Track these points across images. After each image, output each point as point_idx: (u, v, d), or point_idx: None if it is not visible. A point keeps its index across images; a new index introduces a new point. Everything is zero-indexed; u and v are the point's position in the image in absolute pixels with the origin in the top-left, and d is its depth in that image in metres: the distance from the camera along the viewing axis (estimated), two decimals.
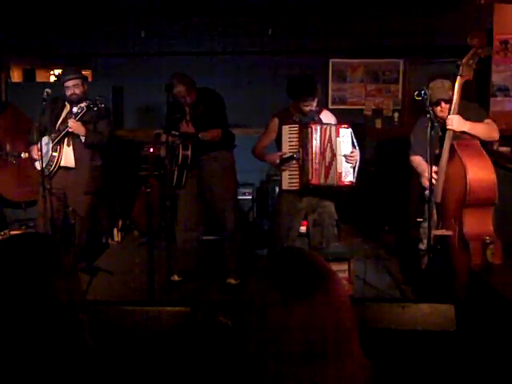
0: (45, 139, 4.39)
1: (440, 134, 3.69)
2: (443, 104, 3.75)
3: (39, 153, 4.27)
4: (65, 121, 4.43)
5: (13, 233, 4.06)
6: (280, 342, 0.97)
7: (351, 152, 3.68)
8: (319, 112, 3.94)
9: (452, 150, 3.56)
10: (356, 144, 3.72)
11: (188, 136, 4.22)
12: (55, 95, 4.42)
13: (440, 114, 3.78)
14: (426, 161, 3.80)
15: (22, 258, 1.18)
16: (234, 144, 4.54)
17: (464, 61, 3.49)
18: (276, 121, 3.96)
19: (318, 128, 3.74)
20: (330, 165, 3.72)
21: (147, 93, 6.11)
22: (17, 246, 1.21)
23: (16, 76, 7.16)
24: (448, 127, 3.54)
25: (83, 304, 1.25)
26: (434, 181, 3.66)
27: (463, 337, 2.46)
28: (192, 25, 6.23)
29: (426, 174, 3.70)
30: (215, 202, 4.45)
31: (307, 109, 3.81)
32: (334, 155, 3.69)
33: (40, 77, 7.66)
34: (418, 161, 3.99)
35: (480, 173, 3.47)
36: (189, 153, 4.22)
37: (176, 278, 4.44)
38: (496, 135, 3.78)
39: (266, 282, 1.03)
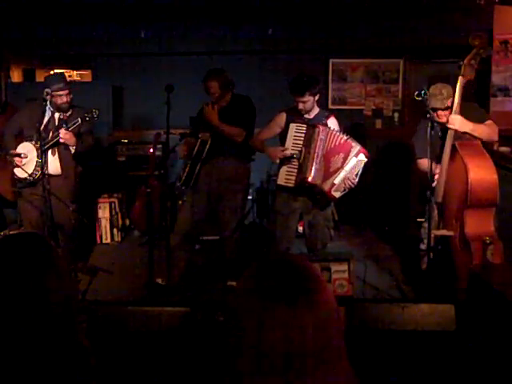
0: (26, 145, 4.31)
1: (440, 134, 3.68)
2: (440, 112, 3.72)
3: (20, 159, 4.23)
4: (47, 127, 4.30)
5: (12, 233, 4.04)
6: (258, 345, 0.96)
7: (353, 178, 3.72)
8: (327, 117, 3.97)
9: (453, 150, 3.54)
10: (359, 176, 3.76)
11: (206, 126, 4.15)
12: (30, 98, 4.33)
13: (438, 120, 3.77)
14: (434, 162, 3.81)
15: (16, 258, 1.17)
16: (251, 158, 4.44)
17: (466, 61, 3.48)
18: (284, 116, 3.97)
19: (326, 130, 3.76)
20: (333, 172, 3.74)
21: (147, 93, 6.11)
22: (10, 246, 1.21)
23: (16, 76, 7.15)
24: (450, 127, 3.52)
25: (81, 305, 1.25)
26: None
27: (463, 337, 2.45)
28: (192, 25, 6.23)
29: (437, 176, 3.67)
30: (219, 206, 4.32)
31: (299, 106, 3.84)
32: (341, 167, 3.73)
33: (40, 77, 7.65)
34: (426, 164, 3.88)
35: (481, 173, 3.45)
36: (207, 145, 4.15)
37: (160, 281, 4.25)
38: (496, 137, 3.78)
39: (252, 283, 1.02)
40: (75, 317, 1.20)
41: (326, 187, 3.75)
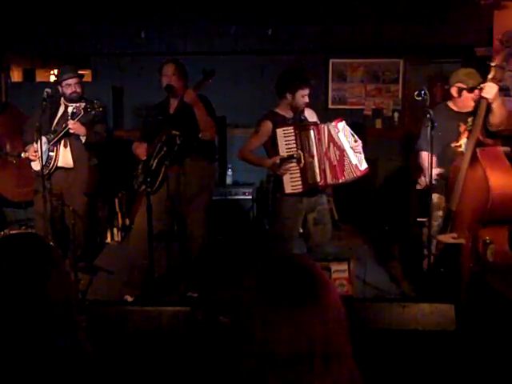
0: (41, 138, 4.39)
1: (461, 126, 3.62)
2: (464, 93, 3.65)
3: (36, 153, 4.29)
4: (60, 121, 4.41)
5: (13, 233, 4.05)
6: (265, 346, 0.96)
7: (355, 141, 3.73)
8: (302, 111, 3.93)
9: (474, 158, 3.40)
10: (353, 132, 3.78)
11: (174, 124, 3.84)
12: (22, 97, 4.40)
13: (472, 103, 3.67)
14: (439, 157, 3.75)
15: (15, 257, 1.17)
16: (215, 157, 4.28)
17: (497, 62, 3.30)
18: (269, 124, 3.84)
19: (319, 128, 3.75)
20: (341, 162, 3.73)
21: (147, 93, 6.09)
22: (10, 246, 1.20)
23: (16, 76, 7.15)
24: (484, 95, 3.40)
25: (80, 305, 1.25)
26: (433, 181, 3.59)
27: (463, 337, 2.45)
28: (192, 25, 6.23)
29: (426, 176, 3.61)
30: (183, 217, 4.09)
31: (303, 99, 3.79)
32: (342, 150, 3.72)
33: (40, 77, 7.66)
34: (425, 158, 3.79)
35: (504, 189, 3.28)
36: (176, 142, 3.76)
37: (129, 298, 4.03)
38: (503, 125, 3.64)
39: (259, 284, 1.02)
40: (75, 316, 1.20)
41: (355, 173, 3.74)
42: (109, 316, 2.55)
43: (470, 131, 3.62)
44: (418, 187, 3.79)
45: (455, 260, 3.53)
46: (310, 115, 3.97)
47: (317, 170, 3.73)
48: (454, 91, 3.73)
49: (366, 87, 6.56)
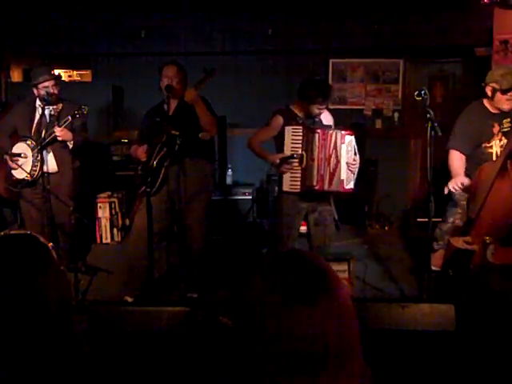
0: (20, 145, 4.31)
1: (495, 126, 3.58)
2: (498, 94, 3.54)
3: (14, 161, 4.22)
4: (40, 125, 4.27)
5: (12, 233, 4.04)
6: (279, 345, 0.96)
7: (353, 160, 3.71)
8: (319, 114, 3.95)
9: (504, 169, 3.29)
10: (357, 151, 3.74)
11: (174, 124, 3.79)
12: (22, 97, 4.29)
13: (506, 106, 3.59)
14: (467, 157, 3.68)
15: (10, 257, 1.17)
16: (214, 157, 4.26)
17: None
18: (280, 119, 3.88)
19: (325, 133, 3.74)
20: (334, 171, 3.72)
21: (147, 93, 6.09)
22: (5, 246, 1.20)
23: (16, 76, 7.14)
24: None
25: (80, 305, 1.24)
26: (457, 188, 3.50)
27: (463, 337, 2.46)
28: (192, 25, 6.23)
29: (457, 181, 3.49)
30: (183, 218, 4.04)
31: (318, 111, 3.80)
32: (338, 162, 3.70)
33: None
34: (455, 158, 3.69)
35: None
36: (177, 141, 3.73)
37: (129, 299, 4.01)
38: None
39: (269, 282, 1.01)
40: (71, 317, 1.20)
41: (338, 187, 3.72)
42: (109, 316, 2.55)
43: (503, 133, 3.57)
44: (446, 191, 3.60)
45: (465, 263, 3.51)
46: (326, 118, 3.96)
47: (315, 174, 3.73)
48: (488, 91, 3.65)
49: (366, 87, 6.56)
